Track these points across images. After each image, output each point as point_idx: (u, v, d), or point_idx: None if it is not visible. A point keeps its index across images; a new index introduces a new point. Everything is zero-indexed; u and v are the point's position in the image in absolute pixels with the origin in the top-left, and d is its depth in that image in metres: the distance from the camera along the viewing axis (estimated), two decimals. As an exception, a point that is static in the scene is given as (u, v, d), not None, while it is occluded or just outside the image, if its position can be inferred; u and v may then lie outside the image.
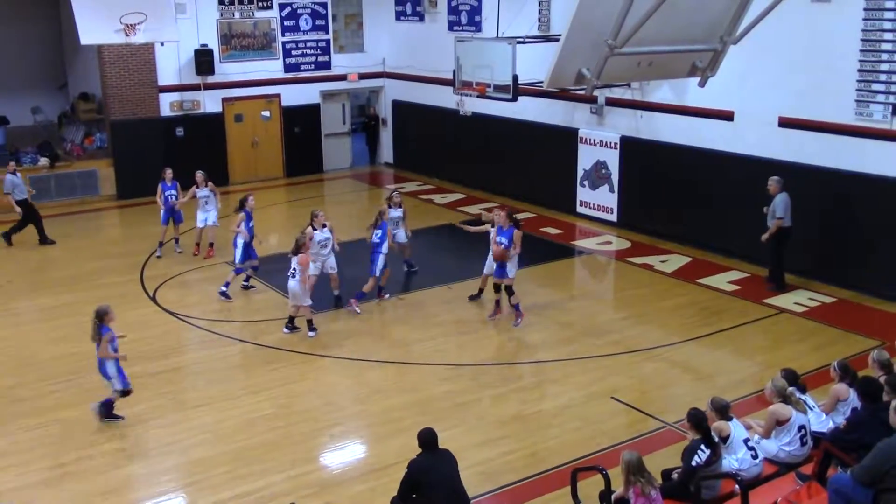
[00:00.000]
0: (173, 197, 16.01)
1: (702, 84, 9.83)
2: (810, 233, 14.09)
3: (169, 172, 16.10)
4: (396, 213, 14.20)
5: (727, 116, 15.23)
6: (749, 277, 14.43)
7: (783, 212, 13.34)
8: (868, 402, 7.84)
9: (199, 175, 16.00)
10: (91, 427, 9.88)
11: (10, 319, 13.42)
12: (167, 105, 21.11)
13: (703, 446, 7.42)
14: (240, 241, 13.67)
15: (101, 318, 9.78)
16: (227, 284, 13.81)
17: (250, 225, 13.77)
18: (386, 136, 24.48)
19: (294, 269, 12.10)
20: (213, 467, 9.06)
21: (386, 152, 24.63)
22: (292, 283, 12.19)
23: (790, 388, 8.26)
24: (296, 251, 12.15)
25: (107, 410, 9.95)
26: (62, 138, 22.53)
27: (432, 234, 17.60)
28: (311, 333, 12.34)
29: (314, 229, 12.92)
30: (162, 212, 16.08)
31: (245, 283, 14.21)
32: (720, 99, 14.93)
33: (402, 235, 14.38)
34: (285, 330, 12.51)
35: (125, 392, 9.96)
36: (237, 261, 13.82)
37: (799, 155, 14.12)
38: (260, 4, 21.88)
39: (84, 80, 23.64)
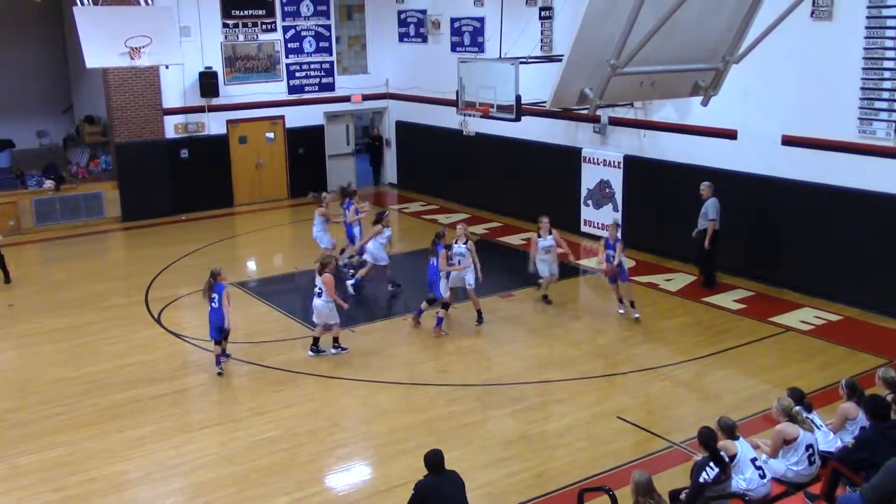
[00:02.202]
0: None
1: (704, 103, 9.81)
2: (815, 251, 14.08)
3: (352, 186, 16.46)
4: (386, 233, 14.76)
5: (730, 135, 15.26)
6: (754, 296, 14.40)
7: (715, 214, 14.24)
8: (876, 421, 7.79)
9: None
10: (93, 450, 9.87)
11: (14, 342, 13.42)
12: (172, 127, 21.20)
13: (711, 464, 7.39)
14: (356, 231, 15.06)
15: (216, 277, 11.67)
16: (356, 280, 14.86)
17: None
18: (390, 157, 24.56)
19: (320, 288, 11.97)
20: (218, 489, 9.02)
21: (390, 173, 24.69)
22: (319, 303, 12.05)
23: (796, 407, 8.22)
24: (321, 270, 12.01)
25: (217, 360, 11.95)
26: (67, 161, 22.66)
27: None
28: (333, 351, 12.38)
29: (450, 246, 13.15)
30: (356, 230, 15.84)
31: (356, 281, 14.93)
32: (723, 118, 14.96)
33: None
34: (310, 353, 12.37)
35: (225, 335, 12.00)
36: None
37: (802, 173, 14.13)
38: (264, 27, 22.03)
39: (89, 103, 23.81)
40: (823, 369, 11.46)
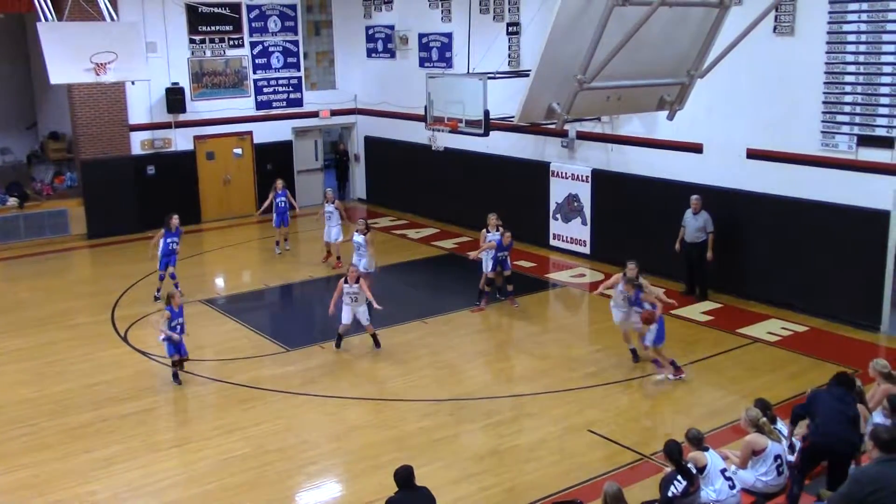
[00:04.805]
0: (283, 202, 18.37)
1: (670, 117, 9.92)
2: (780, 263, 14.26)
3: (280, 183, 18.64)
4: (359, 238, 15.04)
5: (696, 149, 15.43)
6: (721, 308, 14.53)
7: (713, 225, 14.55)
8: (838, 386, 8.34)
9: (329, 192, 18.11)
10: (60, 471, 9.70)
11: (-22, 362, 13.18)
12: (138, 143, 21.03)
13: (679, 477, 7.43)
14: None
15: (168, 300, 11.95)
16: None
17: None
18: (359, 172, 24.54)
19: (357, 293, 12.83)
20: (187, 510, 8.91)
21: (359, 187, 24.66)
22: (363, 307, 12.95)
23: (763, 418, 8.31)
24: (357, 279, 12.86)
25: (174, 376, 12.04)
26: (32, 178, 22.37)
27: (406, 269, 17.59)
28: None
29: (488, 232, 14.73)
30: (275, 217, 18.42)
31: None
32: (689, 132, 15.13)
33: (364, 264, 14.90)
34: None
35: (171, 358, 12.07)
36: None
37: (767, 186, 14.33)
38: (231, 42, 21.95)
39: (54, 120, 23.55)
40: (791, 380, 11.58)
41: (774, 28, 13.76)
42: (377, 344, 13.14)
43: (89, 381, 12.23)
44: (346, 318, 12.96)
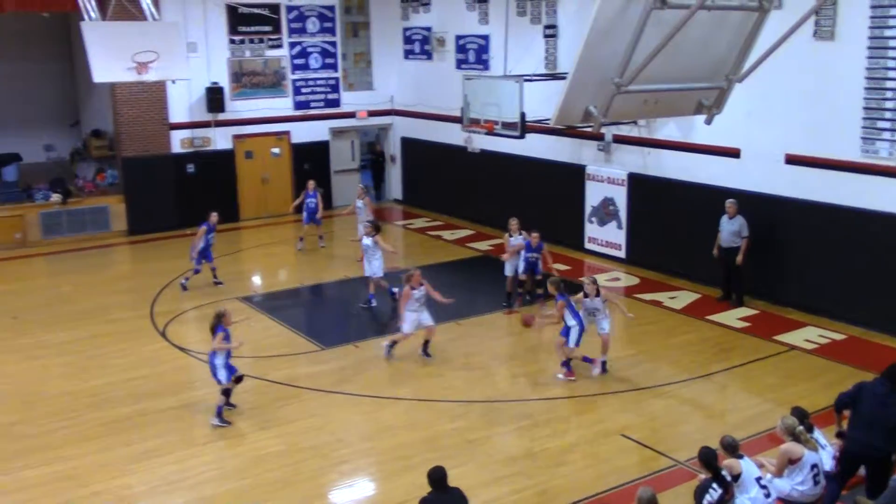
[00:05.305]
0: (314, 203, 18.85)
1: (708, 121, 9.86)
2: (818, 269, 14.09)
3: (312, 183, 19.04)
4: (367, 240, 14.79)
5: (734, 153, 15.30)
6: (758, 314, 14.40)
7: (748, 230, 14.43)
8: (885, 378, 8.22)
9: (361, 187, 18.96)
10: (98, 463, 9.89)
11: (18, 355, 13.43)
12: (178, 142, 21.32)
13: (714, 485, 7.39)
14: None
15: (220, 318, 10.87)
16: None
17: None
18: (395, 173, 24.65)
19: (423, 297, 12.53)
20: (222, 504, 9.03)
21: (395, 189, 24.77)
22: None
23: (800, 427, 8.23)
24: (420, 283, 12.48)
25: (218, 416, 10.82)
26: (74, 175, 22.74)
27: (440, 271, 17.64)
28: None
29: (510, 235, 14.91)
30: (304, 215, 18.96)
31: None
32: (726, 136, 15.01)
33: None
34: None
35: (225, 390, 10.87)
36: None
37: (806, 192, 14.17)
38: (270, 43, 22.17)
39: (96, 118, 23.93)
40: (828, 388, 11.40)
41: (815, 32, 13.59)
42: (426, 352, 12.74)
43: (128, 375, 12.44)
44: (409, 327, 12.44)
